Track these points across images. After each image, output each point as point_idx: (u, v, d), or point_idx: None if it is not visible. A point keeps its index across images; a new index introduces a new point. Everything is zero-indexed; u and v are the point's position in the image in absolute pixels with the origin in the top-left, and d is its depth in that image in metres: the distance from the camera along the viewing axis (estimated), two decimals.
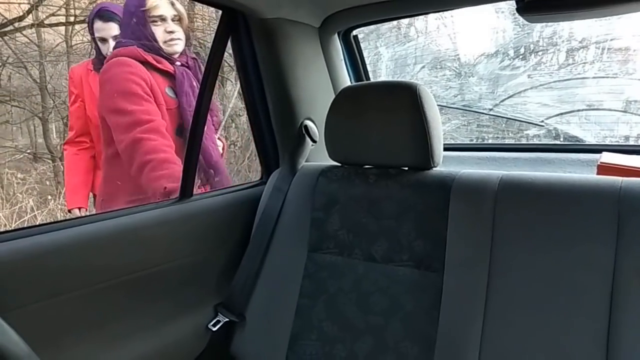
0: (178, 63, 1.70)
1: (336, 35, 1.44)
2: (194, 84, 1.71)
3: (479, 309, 0.93)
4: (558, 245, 0.89)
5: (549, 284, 0.89)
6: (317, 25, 1.38)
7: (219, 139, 1.86)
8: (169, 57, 1.69)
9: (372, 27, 1.81)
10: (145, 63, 1.62)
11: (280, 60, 1.29)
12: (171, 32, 1.67)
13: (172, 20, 1.68)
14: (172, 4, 1.68)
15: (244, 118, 5.41)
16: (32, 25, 4.11)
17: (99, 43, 2.04)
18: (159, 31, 1.66)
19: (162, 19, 1.66)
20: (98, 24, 1.98)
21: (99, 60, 2.05)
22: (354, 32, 1.50)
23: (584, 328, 0.85)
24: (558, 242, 0.89)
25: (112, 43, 1.98)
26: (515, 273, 0.92)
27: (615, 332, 0.82)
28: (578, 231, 0.88)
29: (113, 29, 1.97)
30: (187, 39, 1.76)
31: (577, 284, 0.87)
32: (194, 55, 1.78)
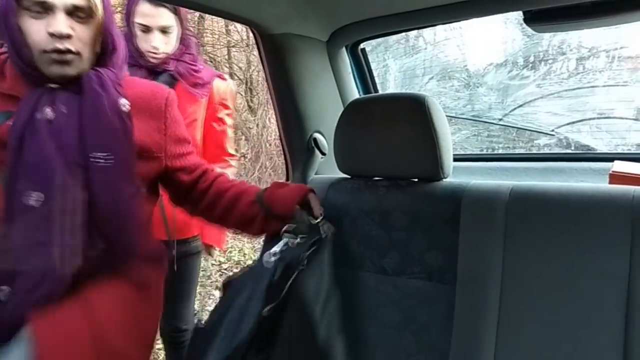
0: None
1: (344, 48, 1.45)
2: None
3: (492, 320, 0.92)
4: (571, 255, 0.88)
5: (563, 294, 0.88)
6: (325, 39, 1.39)
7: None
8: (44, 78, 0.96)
9: (380, 39, 1.82)
10: None
11: (289, 74, 1.30)
12: (63, 52, 0.92)
13: (71, 13, 0.92)
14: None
15: (254, 131, 5.44)
16: None
17: (137, 32, 1.46)
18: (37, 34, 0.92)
19: (46, 8, 0.90)
20: (144, 7, 1.45)
21: (131, 57, 1.43)
22: (362, 45, 1.51)
23: (600, 338, 0.84)
24: (571, 252, 0.89)
25: (158, 36, 1.47)
26: (528, 284, 0.91)
27: (632, 342, 0.81)
28: (591, 241, 0.88)
29: (164, 16, 1.46)
30: (105, 53, 1.02)
31: (591, 295, 0.86)
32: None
